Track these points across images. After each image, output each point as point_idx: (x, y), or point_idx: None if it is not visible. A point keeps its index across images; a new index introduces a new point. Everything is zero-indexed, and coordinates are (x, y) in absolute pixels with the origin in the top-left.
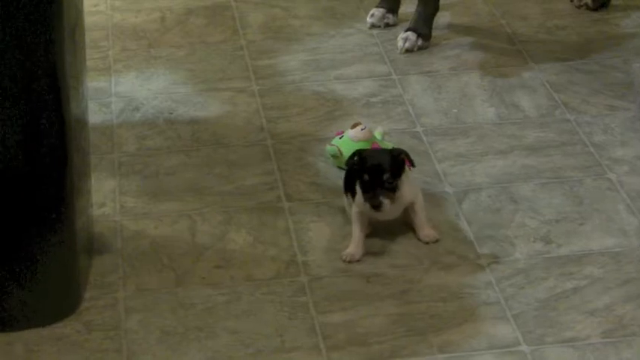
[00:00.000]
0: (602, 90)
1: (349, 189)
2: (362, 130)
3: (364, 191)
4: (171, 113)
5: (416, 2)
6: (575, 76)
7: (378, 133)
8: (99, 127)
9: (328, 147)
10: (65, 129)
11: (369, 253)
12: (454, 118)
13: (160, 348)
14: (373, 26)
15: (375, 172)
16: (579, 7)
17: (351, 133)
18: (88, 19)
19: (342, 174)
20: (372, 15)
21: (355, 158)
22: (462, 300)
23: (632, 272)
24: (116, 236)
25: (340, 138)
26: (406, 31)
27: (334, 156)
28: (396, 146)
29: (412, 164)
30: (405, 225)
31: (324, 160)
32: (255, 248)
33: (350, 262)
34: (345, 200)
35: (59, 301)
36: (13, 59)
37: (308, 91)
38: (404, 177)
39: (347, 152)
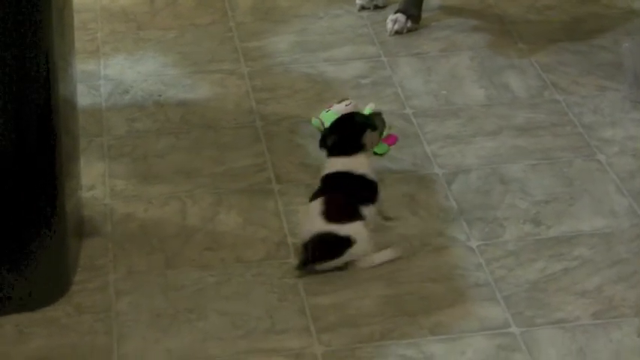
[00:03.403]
0: (591, 70)
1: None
2: (347, 105)
3: None
4: (161, 96)
5: None
6: (565, 56)
7: (368, 110)
8: (88, 110)
9: (313, 119)
10: (54, 111)
11: None
12: (443, 99)
13: (150, 330)
14: (362, 8)
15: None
16: None
17: (336, 107)
18: (77, 1)
19: None
20: None
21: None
22: (452, 282)
23: (622, 253)
24: (106, 219)
25: (327, 112)
26: (395, 12)
27: (318, 128)
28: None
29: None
30: (394, 207)
31: (314, 141)
32: (245, 230)
33: None
34: None
35: (49, 284)
36: (1, 40)
37: (297, 73)
38: None
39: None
